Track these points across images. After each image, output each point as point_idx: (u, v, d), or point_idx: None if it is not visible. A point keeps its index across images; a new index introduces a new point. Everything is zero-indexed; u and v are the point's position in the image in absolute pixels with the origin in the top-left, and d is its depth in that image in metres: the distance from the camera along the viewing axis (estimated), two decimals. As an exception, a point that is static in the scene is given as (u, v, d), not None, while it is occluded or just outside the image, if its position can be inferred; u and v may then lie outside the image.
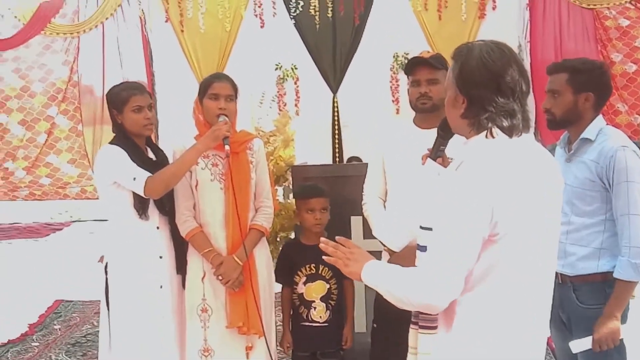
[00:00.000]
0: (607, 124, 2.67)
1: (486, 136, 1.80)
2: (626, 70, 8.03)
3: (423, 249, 1.86)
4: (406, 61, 7.83)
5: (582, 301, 2.61)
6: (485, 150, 1.78)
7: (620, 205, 2.49)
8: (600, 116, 2.65)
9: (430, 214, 1.85)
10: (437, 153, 2.17)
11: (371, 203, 3.12)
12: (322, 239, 2.01)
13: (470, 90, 1.81)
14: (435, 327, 1.89)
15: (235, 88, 3.10)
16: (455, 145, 2.06)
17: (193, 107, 3.13)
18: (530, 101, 7.81)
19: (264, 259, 3.24)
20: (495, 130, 1.79)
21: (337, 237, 2.01)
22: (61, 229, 9.26)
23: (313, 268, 3.30)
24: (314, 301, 3.31)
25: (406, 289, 1.75)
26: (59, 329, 5.11)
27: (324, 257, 1.98)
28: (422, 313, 1.91)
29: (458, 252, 1.70)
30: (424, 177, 2.14)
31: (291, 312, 3.40)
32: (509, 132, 1.79)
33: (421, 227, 1.91)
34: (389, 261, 2.99)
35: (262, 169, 3.24)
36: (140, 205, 2.99)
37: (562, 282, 2.63)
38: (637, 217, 2.47)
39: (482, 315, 1.77)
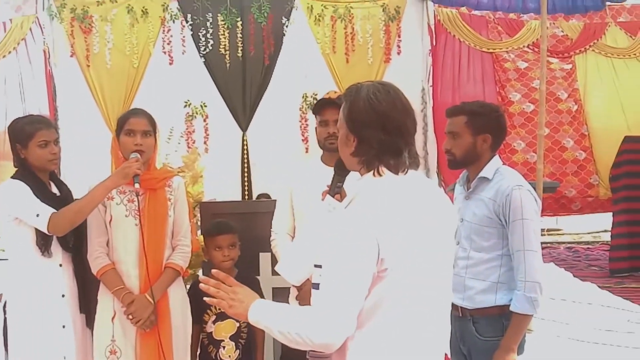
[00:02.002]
0: (504, 164, 2.83)
1: (374, 174, 1.85)
2: (524, 110, 8.44)
3: (316, 286, 1.84)
4: (315, 101, 7.99)
5: (481, 334, 2.71)
6: (372, 188, 1.83)
7: (516, 241, 2.62)
8: (497, 156, 2.80)
9: (321, 251, 1.83)
10: (334, 189, 2.22)
11: (280, 239, 3.14)
12: (201, 277, 1.91)
13: (359, 130, 1.85)
14: None
15: (153, 123, 3.07)
16: (351, 182, 2.11)
17: (111, 143, 3.08)
18: (432, 142, 8.18)
19: (179, 299, 3.16)
20: (382, 168, 1.84)
21: (213, 271, 1.94)
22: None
23: (223, 307, 3.27)
24: (223, 340, 3.28)
25: (299, 329, 1.71)
26: (-51, 375, 4.81)
27: (205, 298, 1.89)
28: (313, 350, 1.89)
29: (348, 290, 1.70)
30: (322, 213, 2.16)
31: (199, 352, 3.35)
32: (395, 169, 1.84)
33: (315, 266, 1.90)
34: (297, 297, 3.05)
35: (181, 207, 3.19)
36: (43, 242, 2.90)
37: (462, 315, 2.73)
38: (532, 253, 2.60)
39: (374, 350, 1.78)
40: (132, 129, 3.00)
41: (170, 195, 3.15)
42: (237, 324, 3.29)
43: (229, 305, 1.85)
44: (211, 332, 3.29)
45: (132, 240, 3.03)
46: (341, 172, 2.18)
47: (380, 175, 1.84)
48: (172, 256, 3.13)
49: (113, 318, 3.03)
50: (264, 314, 1.81)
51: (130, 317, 2.97)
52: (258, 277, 3.63)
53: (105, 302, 3.05)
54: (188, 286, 3.59)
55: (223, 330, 3.28)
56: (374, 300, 1.75)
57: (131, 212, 3.05)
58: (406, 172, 1.86)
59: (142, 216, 3.00)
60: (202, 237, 3.57)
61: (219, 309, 3.26)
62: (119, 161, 3.06)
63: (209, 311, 3.27)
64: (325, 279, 1.75)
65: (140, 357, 3.01)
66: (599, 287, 7.06)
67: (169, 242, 3.14)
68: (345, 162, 1.98)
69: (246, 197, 8.10)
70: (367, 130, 1.84)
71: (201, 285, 1.89)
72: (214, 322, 3.28)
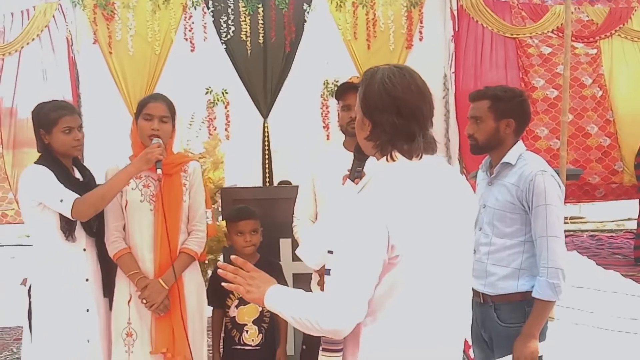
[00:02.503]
0: (527, 149, 2.80)
1: (387, 159, 1.83)
2: (547, 96, 8.32)
3: (329, 272, 1.82)
4: (336, 88, 7.97)
5: (502, 320, 2.69)
6: (385, 174, 1.81)
7: (539, 227, 2.59)
8: (520, 142, 2.77)
9: (334, 237, 1.82)
10: (354, 174, 2.21)
11: (301, 225, 3.14)
12: (220, 263, 1.91)
13: (373, 114, 1.84)
14: (338, 350, 1.86)
15: (171, 109, 3.07)
16: (369, 166, 2.10)
17: (130, 127, 3.10)
18: (454, 129, 8.11)
19: (194, 284, 3.18)
20: (396, 153, 1.82)
21: (232, 257, 1.96)
22: (-20, 254, 8.91)
23: (245, 291, 3.28)
24: (246, 324, 3.30)
25: (309, 315, 1.71)
26: (-24, 357, 4.90)
27: (223, 284, 1.90)
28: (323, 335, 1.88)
29: (356, 276, 1.69)
30: (342, 198, 2.15)
31: (223, 336, 3.38)
32: (409, 154, 1.81)
33: (328, 252, 1.88)
34: (319, 283, 3.05)
35: (197, 192, 3.19)
36: (67, 227, 2.92)
37: (484, 302, 2.72)
38: (555, 239, 2.57)
39: (388, 337, 1.77)
40: (150, 113, 3.01)
41: (185, 180, 3.15)
42: (260, 308, 3.30)
43: (246, 291, 1.86)
44: (234, 317, 3.31)
45: (147, 225, 3.05)
46: (361, 156, 2.17)
47: (393, 160, 1.82)
48: (186, 241, 3.14)
49: (129, 301, 3.06)
50: (278, 299, 1.81)
51: (144, 301, 3.00)
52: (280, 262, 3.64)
53: (122, 285, 3.08)
54: (210, 272, 3.62)
55: (246, 315, 3.30)
56: (386, 288, 1.74)
57: (146, 197, 3.07)
58: (420, 157, 1.83)
59: (157, 201, 3.02)
60: (223, 222, 3.58)
61: (240, 294, 3.28)
62: (137, 145, 3.07)
63: (231, 295, 3.29)
64: (335, 265, 1.74)
65: (155, 340, 3.03)
66: (622, 275, 6.99)
67: (184, 227, 3.15)
68: (362, 146, 1.96)
69: (267, 184, 8.11)
70: (381, 114, 1.82)
71: (219, 271, 1.91)
72: (236, 307, 3.30)
